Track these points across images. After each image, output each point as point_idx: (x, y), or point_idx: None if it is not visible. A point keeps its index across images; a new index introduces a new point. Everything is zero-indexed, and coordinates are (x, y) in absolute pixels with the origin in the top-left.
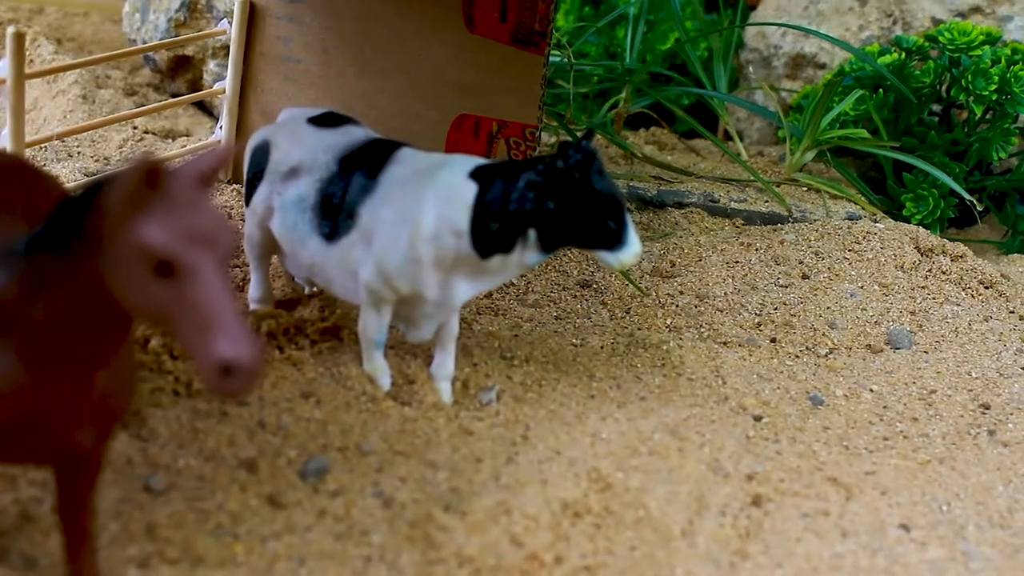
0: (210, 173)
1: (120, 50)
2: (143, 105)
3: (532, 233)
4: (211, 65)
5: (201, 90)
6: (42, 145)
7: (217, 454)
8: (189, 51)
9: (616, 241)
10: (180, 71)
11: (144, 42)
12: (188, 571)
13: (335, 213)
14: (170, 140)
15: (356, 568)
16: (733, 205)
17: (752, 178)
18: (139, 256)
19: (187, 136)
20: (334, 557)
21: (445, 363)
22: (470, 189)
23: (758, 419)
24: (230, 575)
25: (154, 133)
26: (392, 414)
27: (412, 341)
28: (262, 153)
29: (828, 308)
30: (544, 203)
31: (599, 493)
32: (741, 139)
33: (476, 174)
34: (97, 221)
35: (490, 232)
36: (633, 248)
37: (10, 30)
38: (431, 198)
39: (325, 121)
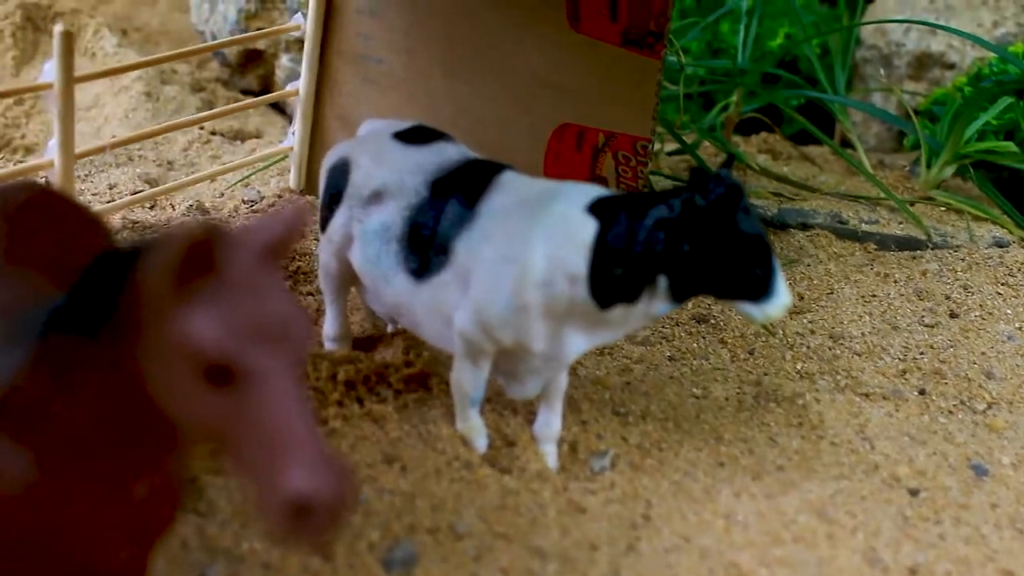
0: (281, 244)
1: (184, 48)
2: (210, 102)
3: (662, 280)
4: (284, 60)
5: (273, 87)
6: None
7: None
8: (260, 45)
9: (762, 292)
10: (251, 66)
11: (212, 34)
12: None
13: (425, 247)
14: (239, 142)
15: None
16: (864, 227)
17: (883, 196)
18: (187, 357)
19: (257, 138)
20: None
21: (551, 422)
22: (588, 226)
23: (914, 493)
24: None
25: (222, 134)
26: (490, 484)
27: (514, 397)
28: (340, 173)
29: (983, 354)
30: (678, 245)
31: None
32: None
33: (595, 208)
34: (135, 299)
35: (612, 278)
36: (782, 300)
37: (57, 28)
38: (541, 235)
39: (414, 137)
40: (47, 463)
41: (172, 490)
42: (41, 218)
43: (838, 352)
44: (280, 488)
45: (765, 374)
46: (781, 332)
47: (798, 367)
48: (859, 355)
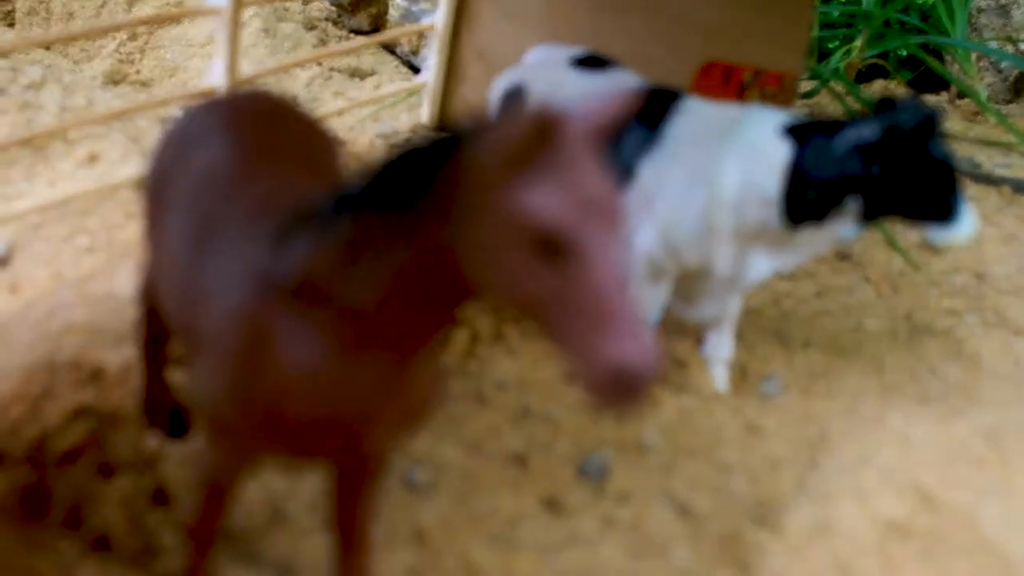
0: (608, 126)
1: None
2: (324, 40)
3: (853, 202)
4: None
5: (384, 26)
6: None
7: (481, 446)
8: None
9: (950, 214)
10: (363, 4)
11: None
12: None
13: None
14: (358, 79)
15: None
16: (999, 171)
17: (1016, 140)
18: (520, 230)
19: (372, 75)
20: None
21: (723, 346)
22: (783, 149)
23: None
24: None
25: (340, 71)
26: (667, 404)
27: (689, 320)
28: (515, 100)
29: None
30: (873, 168)
31: (926, 512)
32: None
33: (788, 131)
34: (458, 182)
35: (805, 200)
36: (970, 224)
37: None
38: (734, 157)
39: (591, 63)
40: (337, 339)
41: (439, 376)
42: (283, 121)
43: (984, 291)
44: (604, 357)
45: (914, 310)
46: (925, 270)
47: (945, 304)
48: (1005, 294)
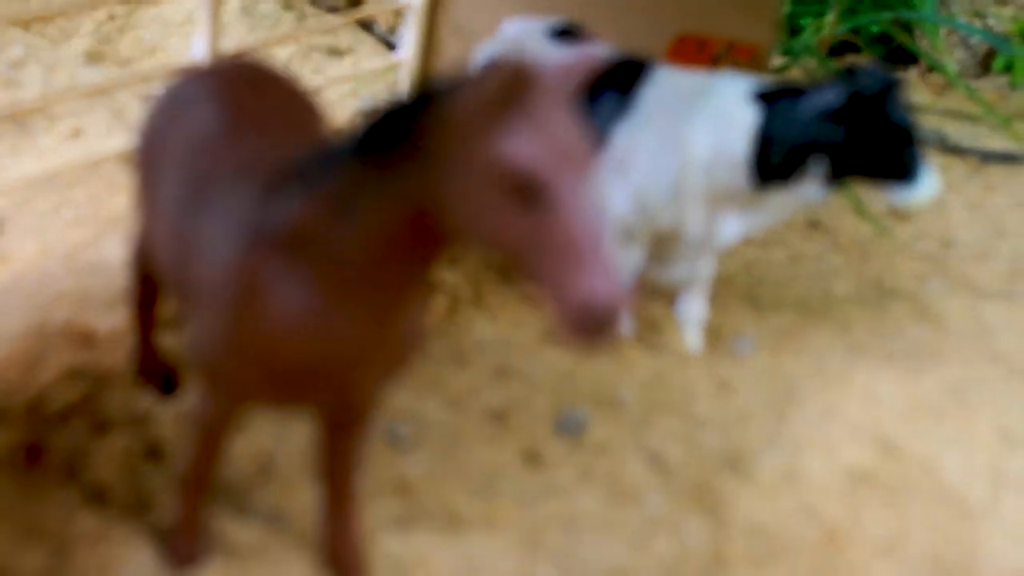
0: (578, 79)
1: None
2: (301, 19)
3: (818, 164)
4: None
5: (362, 2)
6: None
7: (462, 403)
8: None
9: (911, 174)
10: None
11: None
12: (448, 535)
13: None
14: (336, 57)
15: (636, 536)
16: (965, 142)
17: (981, 113)
18: (497, 176)
19: (350, 53)
20: (609, 524)
21: (695, 307)
22: (750, 113)
23: None
24: (494, 540)
25: (318, 50)
26: (641, 363)
27: (662, 282)
28: None
29: None
30: (837, 131)
31: (888, 460)
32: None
33: (756, 97)
34: (438, 132)
35: (772, 163)
36: (931, 184)
37: None
38: (704, 123)
39: (566, 35)
40: (325, 287)
41: (420, 327)
42: (269, 86)
43: (949, 256)
44: (575, 292)
45: (881, 274)
46: (892, 237)
47: (912, 269)
48: (970, 259)
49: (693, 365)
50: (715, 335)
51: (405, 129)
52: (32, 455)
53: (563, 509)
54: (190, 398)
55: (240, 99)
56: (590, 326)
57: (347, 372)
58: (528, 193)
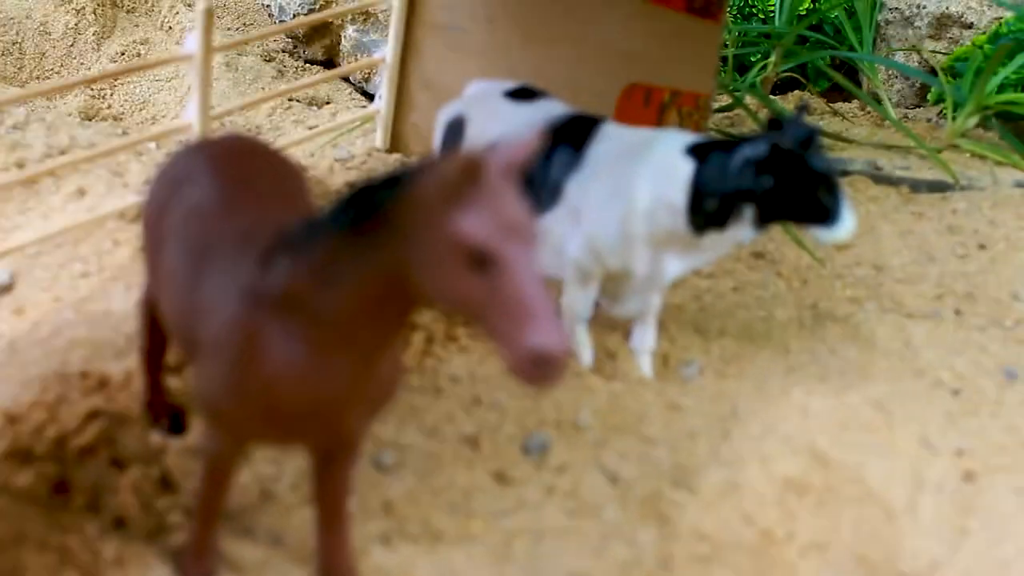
0: (518, 164)
1: (301, 19)
2: (280, 71)
3: (748, 210)
4: (350, 31)
5: (337, 56)
6: (222, 120)
7: (439, 431)
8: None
9: (832, 217)
10: (316, 36)
11: (280, 7)
12: (429, 548)
13: (538, 189)
14: (315, 107)
15: (594, 545)
16: (897, 173)
17: (913, 144)
18: (455, 248)
19: (328, 103)
20: (570, 534)
21: (647, 337)
22: (687, 166)
23: (956, 393)
24: (470, 552)
25: (298, 100)
26: (599, 389)
27: (616, 316)
28: (457, 128)
29: (1009, 279)
30: (764, 180)
31: (819, 469)
32: (881, 103)
33: (691, 150)
34: (405, 211)
35: (706, 209)
36: (849, 224)
37: (200, 6)
38: (645, 174)
39: (521, 95)
40: (315, 341)
41: (398, 368)
42: (263, 163)
43: (881, 280)
44: (524, 345)
45: (819, 300)
46: (830, 264)
47: (847, 293)
48: (900, 282)
49: (646, 389)
50: (665, 362)
51: (376, 206)
52: (59, 489)
53: (530, 522)
54: (200, 438)
55: (233, 173)
56: (538, 372)
57: (336, 412)
58: (481, 262)
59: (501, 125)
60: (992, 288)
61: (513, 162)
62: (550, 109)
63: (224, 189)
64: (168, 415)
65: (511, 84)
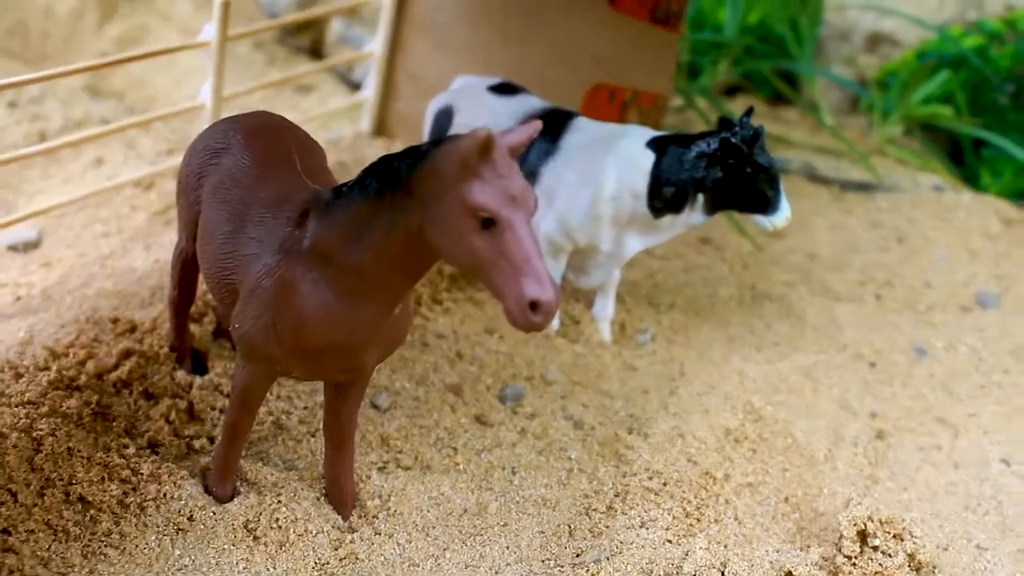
0: (520, 145)
1: (302, 14)
2: (272, 59)
3: (700, 197)
4: (336, 24)
5: (323, 46)
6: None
7: (426, 379)
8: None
9: (772, 206)
10: (304, 28)
11: (274, 1)
12: (420, 476)
13: None
14: (302, 93)
15: (561, 477)
16: (830, 173)
17: (845, 149)
18: (469, 213)
19: (311, 90)
20: (540, 468)
21: (606, 307)
22: (648, 157)
23: (873, 365)
24: (455, 480)
25: (286, 87)
26: (565, 350)
27: (581, 287)
28: (446, 117)
29: (923, 269)
30: (714, 172)
31: (753, 423)
32: (818, 110)
33: (653, 143)
34: (425, 180)
35: (664, 195)
36: (785, 213)
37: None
38: (612, 163)
39: (503, 89)
40: (341, 289)
41: (408, 315)
42: (289, 138)
43: (812, 267)
44: (522, 294)
45: (757, 282)
46: (768, 252)
47: (783, 277)
48: (829, 269)
49: (605, 352)
50: (622, 329)
51: (398, 176)
52: (101, 416)
53: (506, 458)
54: (235, 370)
55: (263, 145)
56: (532, 318)
57: (356, 350)
58: (488, 224)
59: (486, 116)
60: (908, 277)
61: (516, 145)
62: (529, 103)
63: (256, 159)
64: (191, 357)
65: (494, 80)
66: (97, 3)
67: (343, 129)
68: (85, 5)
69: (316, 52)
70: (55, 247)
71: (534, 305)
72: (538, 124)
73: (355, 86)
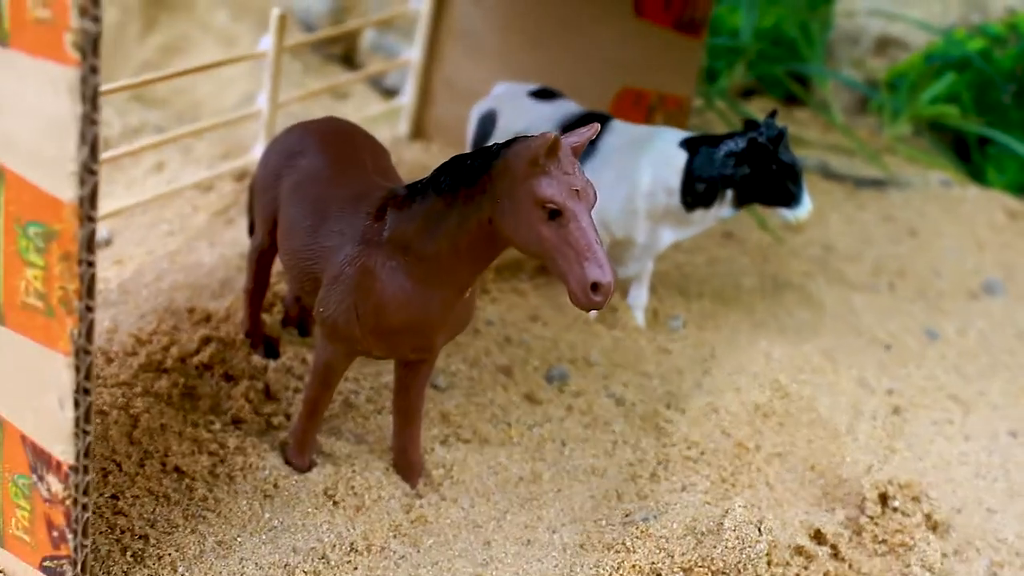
0: (581, 145)
1: (343, 26)
2: (307, 68)
3: (729, 192)
4: (370, 33)
5: (355, 54)
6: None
7: (479, 362)
8: (352, 20)
9: (796, 200)
10: (338, 37)
11: (306, 9)
12: (478, 448)
13: None
14: (340, 99)
15: (607, 448)
16: (844, 171)
17: (857, 147)
18: (538, 205)
19: (347, 97)
20: (587, 440)
21: (641, 295)
22: (681, 156)
23: (888, 348)
24: (510, 452)
25: (323, 94)
26: (604, 335)
27: (619, 277)
28: (489, 121)
29: (933, 260)
30: (742, 169)
31: (780, 399)
32: (829, 110)
33: (685, 144)
34: (497, 177)
35: (696, 191)
36: (808, 206)
37: (275, 12)
38: (647, 162)
39: (543, 95)
40: (416, 276)
41: (474, 300)
42: (360, 141)
43: (829, 259)
44: (585, 277)
45: (778, 273)
46: (787, 245)
47: (802, 268)
48: (845, 261)
49: (641, 336)
50: (656, 316)
51: (471, 174)
52: (187, 396)
53: (556, 432)
54: (316, 350)
55: (336, 147)
56: (593, 299)
57: (429, 332)
58: (554, 215)
59: (526, 120)
60: (919, 267)
61: (578, 145)
62: (567, 108)
63: (332, 160)
64: (264, 343)
65: (533, 85)
66: (139, 14)
67: (381, 133)
68: (128, 16)
69: (348, 60)
70: (125, 246)
71: (595, 287)
72: (596, 127)
73: (387, 92)
